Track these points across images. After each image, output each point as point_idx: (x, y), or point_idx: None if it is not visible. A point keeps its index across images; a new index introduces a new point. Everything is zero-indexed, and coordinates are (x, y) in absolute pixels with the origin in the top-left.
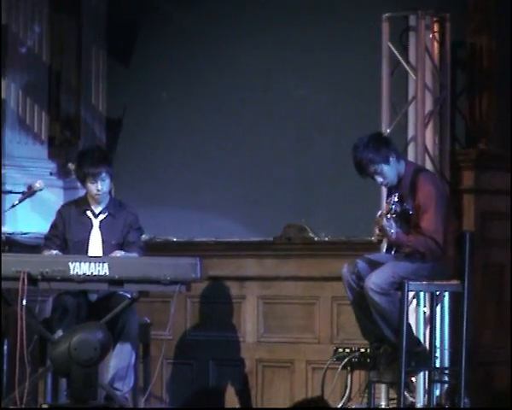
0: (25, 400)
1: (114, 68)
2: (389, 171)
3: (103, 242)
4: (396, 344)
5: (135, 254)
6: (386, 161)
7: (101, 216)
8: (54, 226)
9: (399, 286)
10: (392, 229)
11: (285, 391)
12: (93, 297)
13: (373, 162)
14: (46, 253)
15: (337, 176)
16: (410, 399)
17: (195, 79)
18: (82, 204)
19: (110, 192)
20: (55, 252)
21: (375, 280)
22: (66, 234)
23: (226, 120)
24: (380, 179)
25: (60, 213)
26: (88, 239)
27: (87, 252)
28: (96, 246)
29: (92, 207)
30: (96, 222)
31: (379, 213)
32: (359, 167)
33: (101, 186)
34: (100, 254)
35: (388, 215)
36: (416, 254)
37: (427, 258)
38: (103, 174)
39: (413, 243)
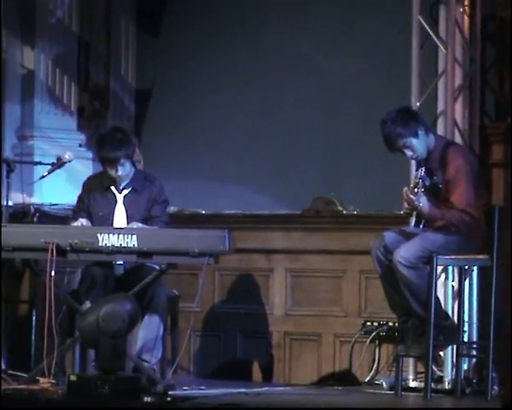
0: (53, 370)
1: (143, 39)
2: (418, 144)
3: (128, 217)
4: (424, 318)
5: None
6: (415, 135)
7: (125, 191)
8: (80, 200)
9: (428, 260)
10: (421, 202)
11: (312, 364)
12: (119, 271)
13: (402, 136)
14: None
15: (366, 149)
16: (438, 373)
17: (224, 50)
18: (106, 179)
19: (134, 165)
20: (83, 220)
21: (404, 254)
22: (91, 207)
23: (254, 92)
24: (409, 153)
25: (84, 186)
26: (112, 214)
27: (112, 226)
28: (120, 220)
29: (116, 183)
30: (120, 197)
31: (405, 188)
32: (388, 142)
33: (120, 172)
34: None
35: (416, 189)
36: (449, 228)
37: (462, 231)
38: (122, 160)
39: (447, 217)
